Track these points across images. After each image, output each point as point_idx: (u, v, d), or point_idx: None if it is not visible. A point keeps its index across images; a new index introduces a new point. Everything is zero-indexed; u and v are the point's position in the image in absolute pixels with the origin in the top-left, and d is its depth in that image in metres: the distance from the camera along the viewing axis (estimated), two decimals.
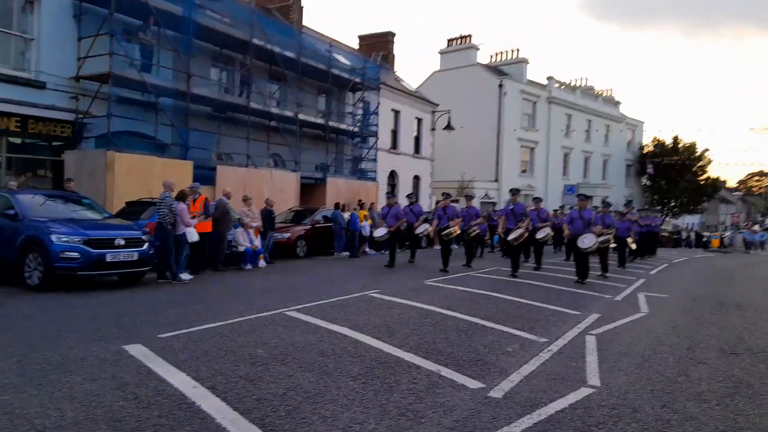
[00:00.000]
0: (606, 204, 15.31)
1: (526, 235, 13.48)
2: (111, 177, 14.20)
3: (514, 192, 13.96)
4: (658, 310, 9.27)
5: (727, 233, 46.68)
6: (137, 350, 5.57)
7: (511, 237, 13.22)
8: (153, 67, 16.89)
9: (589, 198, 14.29)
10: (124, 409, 4.05)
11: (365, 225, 18.73)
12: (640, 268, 17.76)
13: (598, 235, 12.73)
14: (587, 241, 12.28)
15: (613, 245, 15.16)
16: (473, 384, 4.90)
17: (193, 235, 11.34)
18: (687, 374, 5.51)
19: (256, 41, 19.34)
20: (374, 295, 9.53)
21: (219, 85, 20.36)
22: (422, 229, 15.31)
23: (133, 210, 12.89)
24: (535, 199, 16.17)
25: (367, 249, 19.26)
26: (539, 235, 14.16)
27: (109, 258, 9.56)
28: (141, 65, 16.13)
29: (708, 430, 4.07)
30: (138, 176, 14.59)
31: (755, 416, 4.41)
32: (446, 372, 5.22)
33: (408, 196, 16.85)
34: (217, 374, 4.90)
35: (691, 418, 4.30)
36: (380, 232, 15.14)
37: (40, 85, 14.54)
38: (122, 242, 9.83)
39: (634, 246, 18.39)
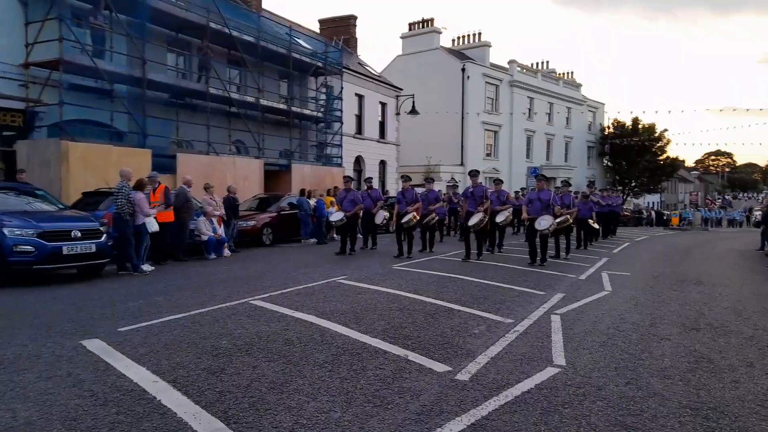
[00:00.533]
0: (566, 183, 15.43)
1: (487, 219, 13.41)
2: (65, 167, 13.76)
3: (473, 174, 13.84)
4: (620, 288, 9.43)
5: (687, 211, 48.10)
6: (95, 345, 5.39)
7: (471, 223, 13.19)
8: (106, 53, 16.36)
9: (548, 179, 14.35)
10: (80, 407, 3.89)
11: (332, 211, 18.56)
12: (603, 247, 18.08)
13: (556, 216, 12.85)
14: (544, 222, 12.36)
15: (573, 225, 15.32)
16: (440, 367, 4.88)
17: (153, 225, 11.09)
18: (650, 351, 5.59)
19: (213, 25, 18.89)
20: (341, 281, 9.45)
21: (176, 71, 19.84)
22: (381, 218, 15.12)
23: (90, 201, 12.55)
24: (495, 180, 16.09)
25: (335, 235, 19.12)
26: (498, 219, 14.12)
27: (65, 251, 9.29)
28: (94, 51, 15.59)
29: (671, 406, 4.12)
30: (94, 166, 14.16)
31: (716, 390, 4.49)
32: (413, 356, 5.18)
33: (366, 180, 16.63)
34: (178, 367, 4.76)
35: (655, 394, 4.35)
36: (336, 216, 14.84)
37: None
38: (79, 234, 9.56)
39: (596, 226, 18.70)
